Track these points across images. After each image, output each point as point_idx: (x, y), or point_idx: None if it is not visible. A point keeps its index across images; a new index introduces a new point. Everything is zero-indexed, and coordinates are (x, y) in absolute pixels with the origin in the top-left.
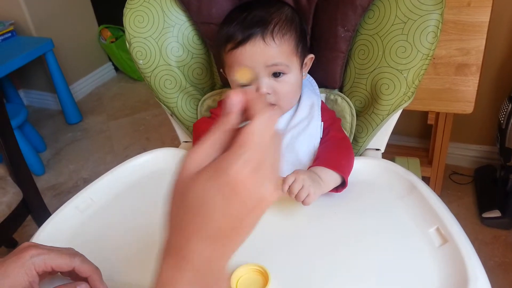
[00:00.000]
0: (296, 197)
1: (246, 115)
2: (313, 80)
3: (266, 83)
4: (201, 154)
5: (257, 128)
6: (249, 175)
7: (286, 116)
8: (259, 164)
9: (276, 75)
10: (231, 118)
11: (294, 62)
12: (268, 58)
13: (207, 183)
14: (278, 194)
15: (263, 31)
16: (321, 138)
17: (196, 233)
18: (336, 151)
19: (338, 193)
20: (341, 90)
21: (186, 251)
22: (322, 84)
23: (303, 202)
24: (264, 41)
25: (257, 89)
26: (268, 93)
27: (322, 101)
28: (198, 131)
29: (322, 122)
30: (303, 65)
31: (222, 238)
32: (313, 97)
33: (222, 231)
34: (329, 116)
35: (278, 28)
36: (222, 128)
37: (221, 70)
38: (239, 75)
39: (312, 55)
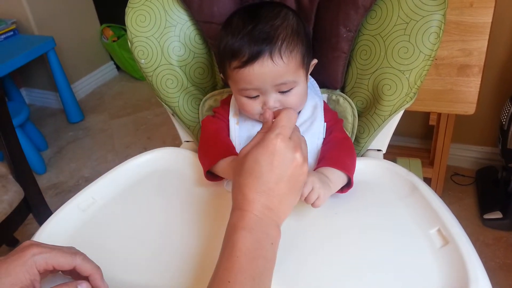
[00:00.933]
0: (306, 199)
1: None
2: (315, 82)
3: (274, 97)
4: (252, 142)
5: (281, 117)
6: (280, 142)
7: None
8: (287, 137)
9: (283, 91)
10: (267, 124)
11: (301, 75)
12: (276, 78)
13: (257, 149)
14: (306, 164)
15: (271, 50)
16: (323, 139)
17: (252, 188)
18: (340, 151)
19: (344, 193)
20: (342, 90)
21: (246, 202)
22: (324, 84)
23: (313, 205)
24: (273, 61)
25: (265, 103)
26: (276, 107)
27: (324, 101)
28: (207, 130)
29: (325, 123)
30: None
31: (270, 189)
32: (315, 98)
33: (270, 183)
34: (332, 117)
35: (285, 44)
36: (263, 131)
37: (221, 75)
38: None
39: (315, 60)
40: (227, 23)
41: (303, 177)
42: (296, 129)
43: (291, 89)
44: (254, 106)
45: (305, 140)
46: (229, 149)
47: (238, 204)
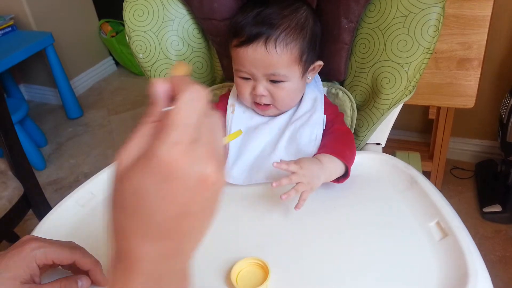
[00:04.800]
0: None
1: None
2: (317, 76)
3: (264, 85)
4: (132, 148)
5: (181, 107)
6: (181, 155)
7: (290, 111)
8: (191, 143)
9: (273, 81)
10: (157, 107)
11: (295, 71)
12: (266, 67)
13: (140, 173)
14: (222, 174)
15: (267, 37)
16: (324, 130)
17: (138, 232)
18: (341, 142)
19: (340, 183)
20: (342, 84)
21: (132, 255)
22: (327, 76)
23: (300, 193)
24: (266, 48)
25: (254, 89)
26: (264, 95)
27: (325, 95)
28: None
29: (325, 115)
30: (309, 70)
31: (168, 232)
32: (316, 91)
33: (166, 223)
34: (332, 110)
35: (283, 35)
36: (150, 119)
37: None
38: (174, 70)
39: (321, 62)
40: (244, 4)
41: (218, 196)
42: (206, 114)
43: (282, 82)
44: (246, 88)
45: (219, 122)
46: None
47: (121, 253)
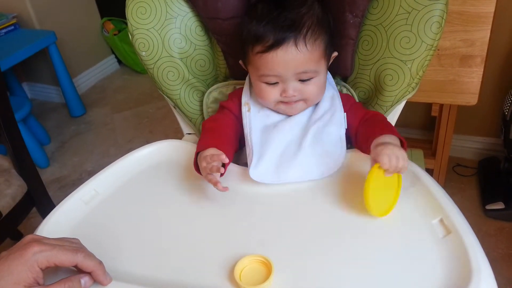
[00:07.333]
0: (393, 168)
1: None
2: (329, 73)
3: (293, 86)
4: None
5: None
6: None
7: (308, 109)
8: None
9: (302, 80)
10: None
11: (322, 65)
12: (298, 66)
13: None
14: None
15: (296, 37)
16: (355, 118)
17: None
18: (379, 121)
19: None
20: (345, 81)
21: None
22: (333, 72)
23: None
24: (297, 48)
25: (284, 91)
26: (294, 96)
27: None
28: (205, 129)
29: (345, 113)
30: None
31: None
32: (331, 89)
33: None
34: (349, 101)
35: (310, 32)
36: None
37: (240, 61)
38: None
39: (336, 53)
40: (251, 9)
41: None
42: None
43: (311, 78)
44: (272, 93)
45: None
46: (212, 142)
47: None
